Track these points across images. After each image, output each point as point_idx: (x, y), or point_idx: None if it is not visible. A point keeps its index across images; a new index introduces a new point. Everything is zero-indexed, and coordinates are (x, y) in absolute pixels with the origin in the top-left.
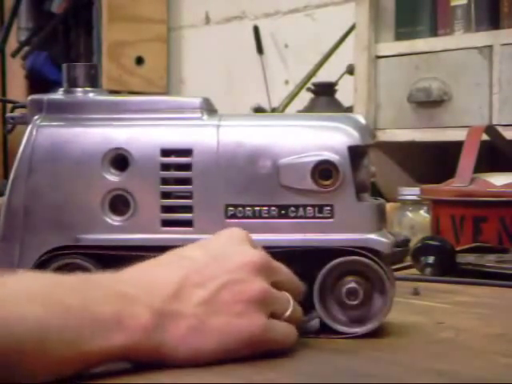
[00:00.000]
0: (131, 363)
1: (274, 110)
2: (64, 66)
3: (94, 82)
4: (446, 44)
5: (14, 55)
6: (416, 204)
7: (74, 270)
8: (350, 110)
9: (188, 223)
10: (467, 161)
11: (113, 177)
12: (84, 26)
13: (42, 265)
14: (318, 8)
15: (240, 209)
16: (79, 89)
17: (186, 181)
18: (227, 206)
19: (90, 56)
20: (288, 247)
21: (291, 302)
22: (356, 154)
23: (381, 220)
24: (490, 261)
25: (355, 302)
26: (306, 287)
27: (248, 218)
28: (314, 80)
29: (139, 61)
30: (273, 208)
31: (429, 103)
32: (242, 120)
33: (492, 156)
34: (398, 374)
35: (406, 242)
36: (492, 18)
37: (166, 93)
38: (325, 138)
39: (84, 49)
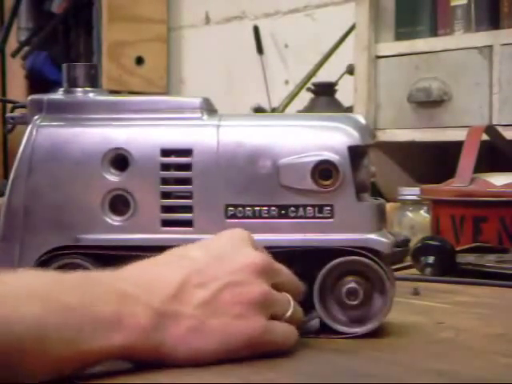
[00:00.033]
0: (131, 363)
1: (274, 110)
2: (64, 65)
3: (94, 81)
4: (446, 44)
5: (13, 55)
6: (416, 204)
7: (74, 270)
8: (350, 110)
9: (188, 223)
10: (467, 161)
11: (113, 177)
12: (84, 26)
13: (42, 265)
14: (317, 8)
15: (240, 209)
16: (79, 89)
17: (185, 181)
18: (227, 206)
19: (90, 56)
20: (288, 247)
21: (291, 303)
22: (356, 153)
23: (381, 220)
24: (490, 261)
25: (355, 302)
26: (306, 287)
27: (248, 217)
28: (314, 80)
29: (139, 61)
30: (273, 208)
31: (429, 103)
32: (242, 120)
33: (492, 156)
34: (398, 373)
35: (406, 241)
36: (492, 18)
37: (166, 93)
38: (325, 138)
39: (84, 49)
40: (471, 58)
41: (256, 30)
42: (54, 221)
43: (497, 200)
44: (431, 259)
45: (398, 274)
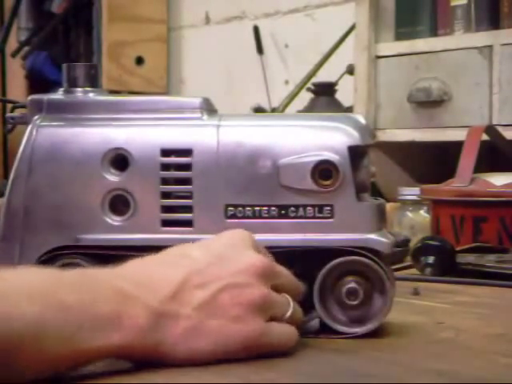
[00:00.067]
0: (130, 363)
1: (274, 110)
2: (64, 66)
3: (94, 81)
4: (446, 44)
5: (13, 55)
6: (416, 204)
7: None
8: (350, 110)
9: (188, 223)
10: (467, 161)
11: (113, 177)
12: (84, 25)
13: (42, 265)
14: (317, 8)
15: (240, 209)
16: (79, 89)
17: (186, 181)
18: (227, 206)
19: (90, 56)
20: (288, 247)
21: (291, 304)
22: (356, 153)
23: (381, 220)
24: (490, 261)
25: (355, 302)
26: (306, 287)
27: (248, 217)
28: (314, 80)
29: (139, 61)
30: (273, 208)
31: (429, 103)
32: (242, 120)
33: (492, 156)
34: (398, 374)
35: (406, 241)
36: (492, 18)
37: (166, 93)
38: (325, 138)
39: (84, 49)
40: (471, 58)
41: (256, 30)
42: (53, 221)
43: (497, 200)
44: (431, 259)
45: (398, 274)
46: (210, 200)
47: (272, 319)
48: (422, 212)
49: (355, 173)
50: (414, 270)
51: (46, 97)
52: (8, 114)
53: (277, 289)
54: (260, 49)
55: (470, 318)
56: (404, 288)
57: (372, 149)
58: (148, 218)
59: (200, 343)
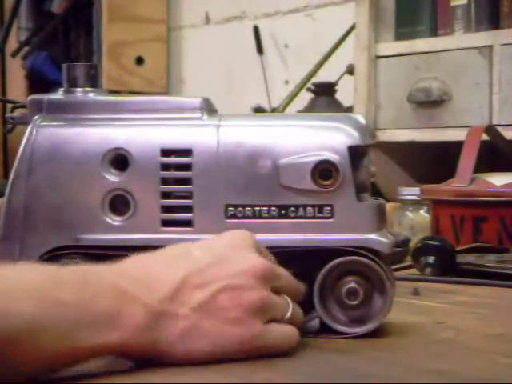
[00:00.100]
0: (131, 362)
1: (274, 110)
2: (64, 66)
3: (94, 81)
4: (446, 44)
5: (13, 55)
6: (416, 204)
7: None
8: (350, 110)
9: (188, 223)
10: (467, 161)
11: (113, 177)
12: (84, 26)
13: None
14: (317, 8)
15: (240, 209)
16: (79, 89)
17: (186, 181)
18: (227, 206)
19: (90, 56)
20: (288, 247)
21: (290, 305)
22: (356, 153)
23: (381, 220)
24: (490, 261)
25: (355, 302)
26: (306, 287)
27: (248, 218)
28: (314, 80)
29: (139, 61)
30: (273, 208)
31: (429, 103)
32: (242, 120)
33: (492, 156)
34: (398, 374)
35: (406, 241)
36: (492, 18)
37: (166, 93)
38: (325, 138)
39: (84, 49)
40: (471, 58)
41: (256, 30)
42: (53, 221)
43: (497, 200)
44: (431, 259)
45: (398, 273)
46: (210, 200)
47: (272, 321)
48: (421, 212)
49: (355, 173)
50: (414, 270)
51: (46, 97)
52: (8, 114)
53: (276, 290)
54: (260, 49)
55: (469, 317)
56: (404, 288)
57: (372, 149)
58: (148, 218)
59: (198, 343)
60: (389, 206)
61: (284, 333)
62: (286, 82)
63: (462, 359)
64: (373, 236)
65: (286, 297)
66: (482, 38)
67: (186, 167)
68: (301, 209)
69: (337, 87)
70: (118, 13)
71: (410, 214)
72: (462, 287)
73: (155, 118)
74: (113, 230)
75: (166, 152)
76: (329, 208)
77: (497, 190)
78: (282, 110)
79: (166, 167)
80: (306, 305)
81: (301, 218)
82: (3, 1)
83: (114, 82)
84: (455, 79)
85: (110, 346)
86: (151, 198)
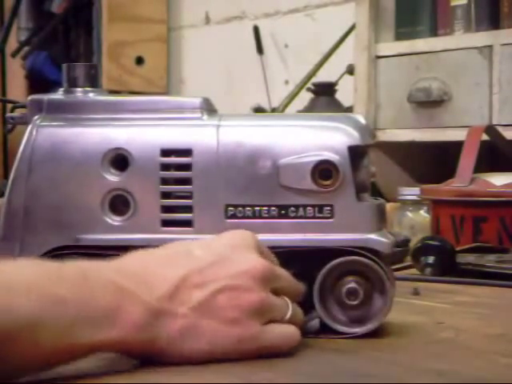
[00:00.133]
0: (131, 362)
1: (274, 110)
2: (64, 66)
3: (94, 81)
4: (446, 44)
5: (13, 55)
6: (416, 204)
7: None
8: (350, 110)
9: (188, 223)
10: (467, 161)
11: (113, 177)
12: (84, 26)
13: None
14: (317, 8)
15: (240, 209)
16: (79, 89)
17: (185, 181)
18: (227, 206)
19: (90, 56)
20: (288, 247)
21: (290, 306)
22: (356, 153)
23: (381, 220)
24: (490, 261)
25: (355, 302)
26: (306, 287)
27: (248, 217)
28: (314, 80)
29: (139, 61)
30: (273, 208)
31: (429, 103)
32: (242, 120)
33: (492, 156)
34: (398, 374)
35: (406, 241)
36: (492, 18)
37: (166, 93)
38: (325, 138)
39: (84, 49)
40: (471, 58)
41: (256, 29)
42: (53, 221)
43: (497, 200)
44: (431, 259)
45: (398, 273)
46: (210, 200)
47: (272, 322)
48: (421, 212)
49: (355, 173)
50: (414, 270)
51: (46, 97)
52: (8, 114)
53: (276, 291)
54: (260, 49)
55: (470, 317)
56: (404, 288)
57: (372, 149)
58: (148, 218)
59: (196, 342)
60: (389, 206)
61: (283, 333)
62: (286, 82)
63: (462, 359)
64: (373, 236)
65: (286, 298)
66: (481, 37)
67: (186, 167)
68: (301, 209)
69: (337, 87)
70: (118, 13)
71: (410, 214)
72: (462, 287)
73: (155, 118)
74: (113, 229)
75: (165, 152)
76: (329, 208)
77: (497, 190)
78: (282, 110)
79: (165, 167)
80: (306, 305)
81: (301, 218)
82: (3, 1)
83: (114, 82)
84: (455, 79)
85: (108, 342)
86: (151, 198)
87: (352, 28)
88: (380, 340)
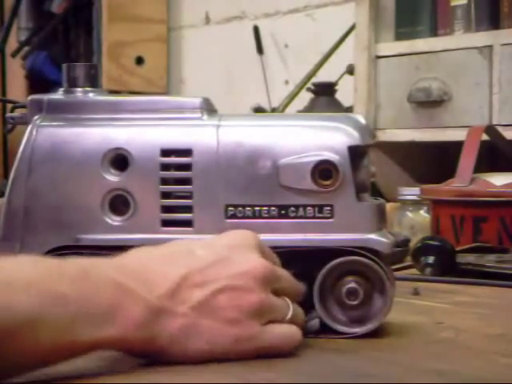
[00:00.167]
0: (131, 362)
1: (274, 110)
2: (64, 66)
3: (94, 81)
4: (446, 44)
5: (13, 55)
6: (416, 204)
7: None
8: (350, 110)
9: (188, 223)
10: (467, 161)
11: (113, 177)
12: (84, 26)
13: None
14: (317, 8)
15: (240, 209)
16: (79, 89)
17: (185, 181)
18: (227, 206)
19: (90, 56)
20: (288, 247)
21: (291, 307)
22: (356, 154)
23: (381, 220)
24: (490, 261)
25: (355, 302)
26: (306, 287)
27: (248, 218)
28: (314, 80)
29: (139, 61)
30: (273, 208)
31: (429, 103)
32: (242, 120)
33: (492, 156)
34: (398, 374)
35: (406, 241)
36: (492, 18)
37: (166, 93)
38: (325, 138)
39: (84, 49)
40: (471, 58)
41: (256, 30)
42: (53, 221)
43: (497, 200)
44: (431, 259)
45: (398, 273)
46: (210, 200)
47: (272, 322)
48: (421, 212)
49: (355, 173)
50: (414, 270)
51: (46, 97)
52: (8, 114)
53: (277, 292)
54: (260, 49)
55: (470, 318)
56: (404, 288)
57: (372, 149)
58: (148, 218)
59: (196, 342)
60: (389, 205)
61: (283, 333)
62: (286, 82)
63: (461, 359)
64: (373, 236)
65: (287, 298)
66: (481, 37)
67: (186, 167)
68: (301, 209)
69: (337, 87)
70: (117, 13)
71: (410, 214)
72: (462, 287)
73: (155, 118)
74: (113, 229)
75: (165, 152)
76: (329, 208)
77: (497, 190)
78: (282, 110)
79: (165, 167)
80: (306, 305)
81: (301, 217)
82: (3, 1)
83: (114, 82)
84: (455, 79)
85: (109, 339)
86: (151, 198)
87: (352, 28)
88: (380, 340)
